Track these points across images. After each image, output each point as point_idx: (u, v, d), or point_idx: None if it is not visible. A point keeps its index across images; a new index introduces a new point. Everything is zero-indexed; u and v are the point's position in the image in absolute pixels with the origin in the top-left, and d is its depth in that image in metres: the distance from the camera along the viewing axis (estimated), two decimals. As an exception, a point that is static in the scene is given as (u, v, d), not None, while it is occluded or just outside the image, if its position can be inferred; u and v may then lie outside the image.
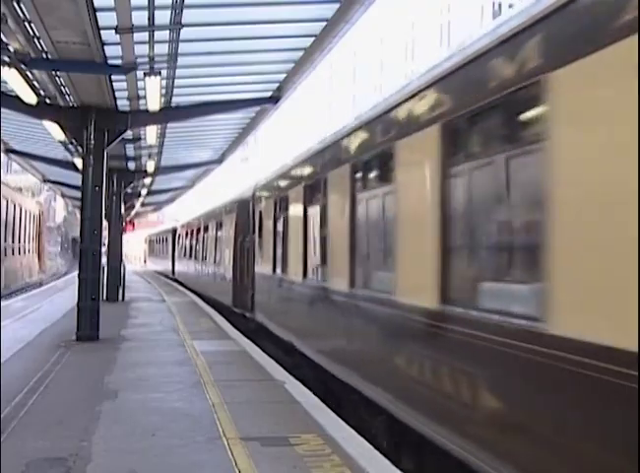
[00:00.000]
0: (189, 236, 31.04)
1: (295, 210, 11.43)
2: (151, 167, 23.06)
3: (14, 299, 25.09)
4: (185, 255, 32.34)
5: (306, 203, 10.72)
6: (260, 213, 15.00)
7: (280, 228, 12.84)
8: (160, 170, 24.59)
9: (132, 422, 7.24)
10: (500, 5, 76.33)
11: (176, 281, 35.70)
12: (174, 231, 38.13)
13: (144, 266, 61.05)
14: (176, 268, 36.61)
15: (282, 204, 12.70)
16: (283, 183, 12.78)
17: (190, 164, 25.25)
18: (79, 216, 16.38)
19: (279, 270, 12.78)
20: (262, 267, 14.53)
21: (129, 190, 27.21)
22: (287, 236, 12.07)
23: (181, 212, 57.54)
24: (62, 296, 24.79)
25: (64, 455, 6.02)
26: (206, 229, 25.52)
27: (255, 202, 15.67)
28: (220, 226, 21.73)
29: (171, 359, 11.27)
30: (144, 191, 31.39)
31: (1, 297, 21.15)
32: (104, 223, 15.23)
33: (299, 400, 8.24)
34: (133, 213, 43.80)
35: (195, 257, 28.31)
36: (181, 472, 5.77)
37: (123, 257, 27.18)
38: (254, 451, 6.15)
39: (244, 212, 17.13)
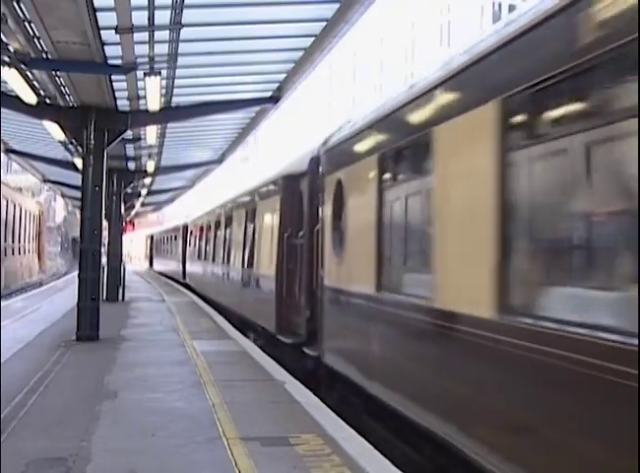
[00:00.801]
0: (205, 232, 25.17)
1: (464, 166, 5.67)
2: (151, 167, 23.06)
3: (14, 299, 25.09)
4: (200, 257, 26.19)
5: (507, 144, 4.98)
6: (338, 188, 8.90)
7: (403, 209, 7.04)
8: (159, 170, 24.60)
9: (132, 422, 7.24)
10: (500, 5, 76.39)
11: (188, 287, 30.14)
12: (185, 227, 32.91)
13: (150, 268, 55.39)
14: (188, 272, 30.95)
15: (411, 160, 7.03)
16: (411, 120, 6.86)
17: (190, 164, 25.25)
18: (79, 216, 16.38)
19: (395, 287, 7.10)
20: (343, 278, 8.67)
21: (129, 190, 27.20)
22: (428, 226, 6.21)
23: (181, 212, 57.29)
24: (62, 296, 24.78)
25: (64, 455, 6.02)
26: (228, 222, 19.74)
27: (325, 172, 9.76)
28: (251, 216, 16.12)
29: (171, 359, 11.26)
30: (144, 191, 31.41)
31: (1, 297, 21.15)
32: (104, 223, 15.23)
33: (299, 400, 8.24)
34: (133, 213, 43.83)
35: (213, 259, 22.22)
36: (181, 472, 5.77)
37: (124, 258, 27.15)
38: (254, 451, 6.15)
39: (294, 193, 12.17)
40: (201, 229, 26.67)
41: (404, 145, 7.02)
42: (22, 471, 5.64)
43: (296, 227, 12.00)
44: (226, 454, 6.08)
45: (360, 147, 8.38)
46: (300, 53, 11.87)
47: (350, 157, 8.73)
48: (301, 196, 11.77)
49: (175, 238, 37.51)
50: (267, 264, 13.62)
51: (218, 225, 21.90)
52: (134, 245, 72.21)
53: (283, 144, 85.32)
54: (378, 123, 7.87)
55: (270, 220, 13.79)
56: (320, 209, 10.04)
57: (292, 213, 12.23)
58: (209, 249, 23.65)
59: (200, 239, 26.78)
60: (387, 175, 7.49)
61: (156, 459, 6.04)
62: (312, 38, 11.03)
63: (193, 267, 28.85)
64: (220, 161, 24.60)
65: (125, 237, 34.48)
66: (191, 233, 30.54)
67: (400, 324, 7.02)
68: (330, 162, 9.72)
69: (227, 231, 19.92)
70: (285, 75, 13.27)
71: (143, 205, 41.37)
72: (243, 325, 16.12)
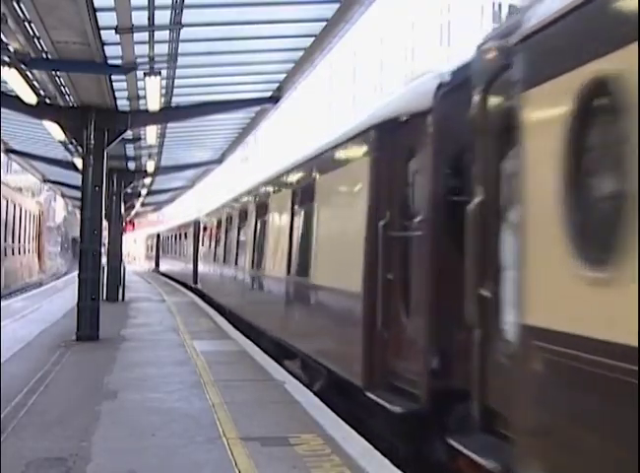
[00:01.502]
0: (225, 227, 19.92)
1: None
2: (151, 167, 23.06)
3: (14, 299, 25.08)
4: (216, 258, 21.38)
5: None
6: (588, 107, 3.73)
7: None
8: (160, 170, 24.60)
9: (132, 422, 7.24)
10: (500, 5, 76.37)
11: (199, 294, 26.14)
12: (197, 224, 28.18)
13: (156, 270, 50.67)
14: (200, 275, 26.46)
15: None
16: None
17: (190, 164, 25.25)
18: (79, 216, 16.38)
19: None
20: None
21: (129, 190, 27.21)
22: None
23: (181, 212, 57.08)
24: (62, 296, 24.78)
25: (64, 455, 6.02)
26: (261, 211, 14.45)
27: (529, 81, 4.36)
28: (303, 199, 10.93)
29: (171, 359, 11.27)
30: (144, 191, 31.40)
31: (1, 297, 21.15)
32: (104, 223, 15.23)
33: (299, 400, 8.24)
34: (133, 213, 43.82)
35: (236, 262, 17.23)
36: (181, 472, 5.77)
37: (125, 258, 27.08)
38: (254, 451, 6.15)
39: (397, 152, 7.35)
40: (218, 224, 21.62)
41: None
42: (22, 471, 5.64)
43: (402, 209, 7.27)
44: (226, 454, 6.08)
45: None
46: (300, 53, 11.87)
47: None
48: (411, 156, 7.14)
49: (185, 237, 32.73)
50: (341, 271, 8.61)
51: (243, 217, 16.75)
52: (137, 245, 71.81)
53: (283, 144, 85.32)
54: None
55: (346, 201, 8.73)
56: (494, 165, 5.29)
57: (393, 187, 7.44)
58: (230, 249, 18.50)
59: (217, 237, 21.85)
60: None
61: (156, 459, 6.04)
62: (312, 38, 11.04)
63: (207, 270, 24.03)
64: (220, 161, 24.60)
65: (127, 238, 34.38)
66: (204, 229, 25.63)
67: None
68: (548, 56, 4.28)
69: (259, 223, 14.72)
70: (285, 75, 13.27)
71: (143, 205, 41.36)
72: (285, 354, 11.48)
